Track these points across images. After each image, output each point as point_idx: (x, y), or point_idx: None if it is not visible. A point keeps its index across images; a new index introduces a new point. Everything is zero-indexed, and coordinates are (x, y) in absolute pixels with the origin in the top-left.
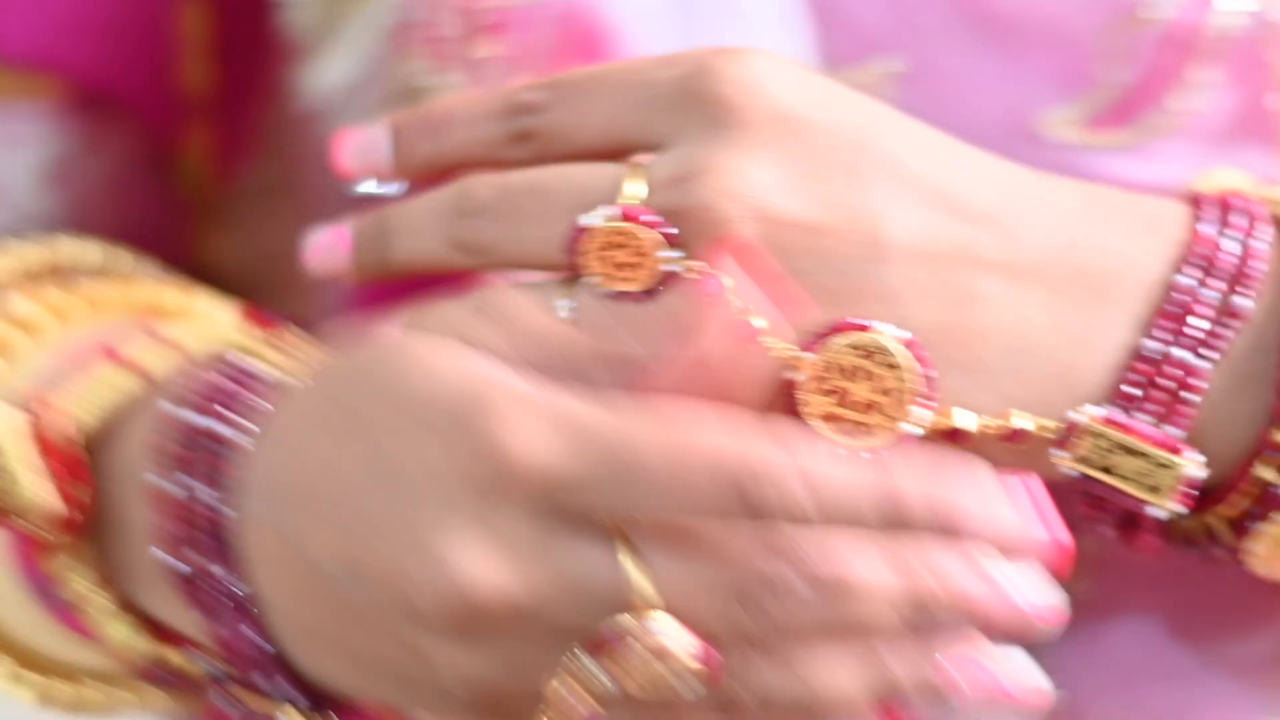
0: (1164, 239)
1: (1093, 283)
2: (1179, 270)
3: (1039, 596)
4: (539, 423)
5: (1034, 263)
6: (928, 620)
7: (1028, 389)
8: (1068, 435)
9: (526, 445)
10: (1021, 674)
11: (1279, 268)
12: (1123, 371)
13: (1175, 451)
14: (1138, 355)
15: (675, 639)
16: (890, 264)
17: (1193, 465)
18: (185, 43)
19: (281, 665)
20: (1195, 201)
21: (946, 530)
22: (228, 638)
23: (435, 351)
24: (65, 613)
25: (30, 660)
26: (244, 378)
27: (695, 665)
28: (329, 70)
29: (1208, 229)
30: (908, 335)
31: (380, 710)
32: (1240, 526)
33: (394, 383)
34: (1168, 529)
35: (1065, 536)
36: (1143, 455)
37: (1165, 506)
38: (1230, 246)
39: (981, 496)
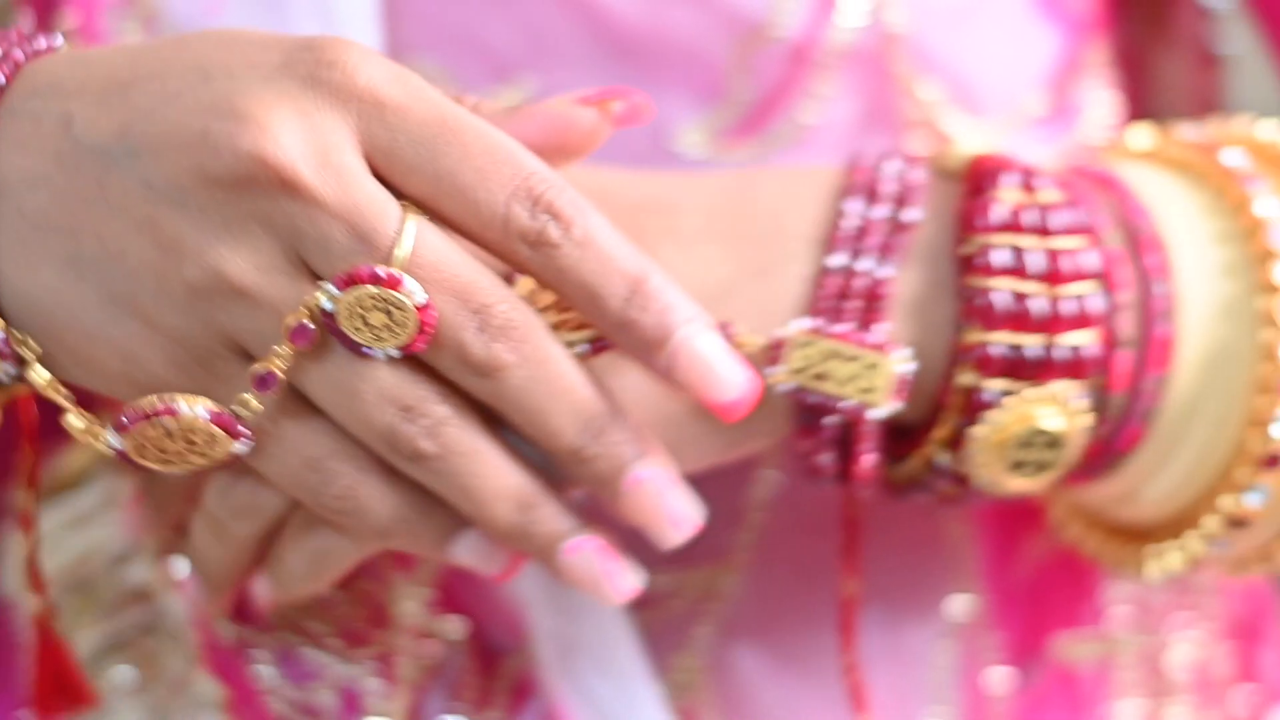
0: (823, 181)
1: (763, 225)
2: (843, 199)
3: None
4: (388, 67)
5: (698, 227)
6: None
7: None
8: (777, 350)
9: (371, 70)
10: (684, 505)
11: (939, 194)
12: (815, 289)
13: (883, 350)
14: (824, 273)
15: (413, 296)
16: None
17: (901, 361)
18: None
19: None
20: (851, 159)
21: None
22: None
23: None
24: None
25: None
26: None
27: (417, 318)
28: None
29: (866, 164)
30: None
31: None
32: (957, 445)
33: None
34: (892, 480)
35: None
36: (853, 359)
37: (882, 405)
38: (889, 173)
39: None
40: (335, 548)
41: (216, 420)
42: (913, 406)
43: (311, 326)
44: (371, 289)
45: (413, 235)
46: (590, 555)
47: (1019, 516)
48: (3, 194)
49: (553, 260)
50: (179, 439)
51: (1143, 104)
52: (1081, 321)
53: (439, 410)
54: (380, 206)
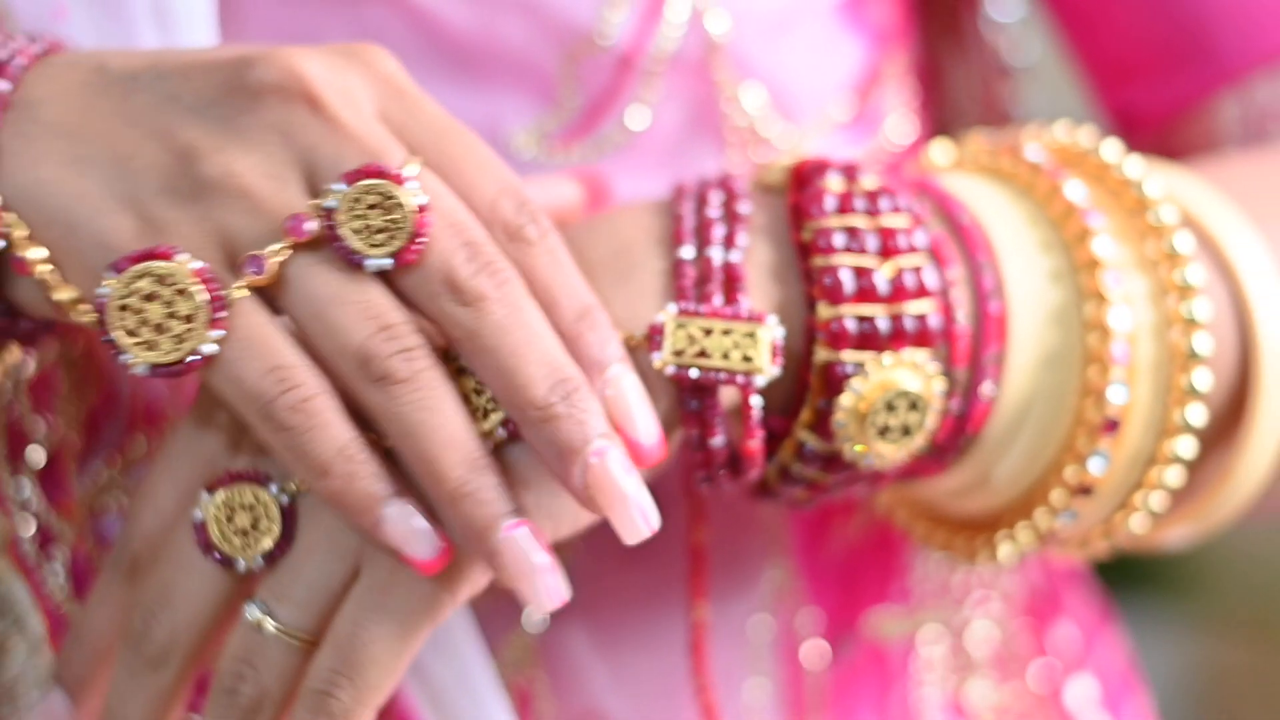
0: (652, 203)
1: (611, 246)
2: (677, 207)
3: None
4: (407, 75)
5: None
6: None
7: None
8: (653, 335)
9: (395, 66)
10: (644, 494)
11: (768, 201)
12: (675, 279)
13: (757, 319)
14: (679, 263)
15: (414, 198)
16: None
17: (773, 326)
18: None
19: None
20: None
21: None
22: None
23: None
24: None
25: None
26: None
27: (414, 220)
28: None
29: (689, 185)
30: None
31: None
32: (822, 426)
33: None
34: (767, 483)
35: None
36: (728, 332)
37: (766, 371)
38: (713, 183)
39: None
40: None
41: (201, 276)
42: (773, 396)
43: (310, 223)
44: (377, 181)
45: (417, 171)
46: (530, 541)
47: None
48: (21, 107)
49: (525, 255)
50: (160, 301)
51: (939, 113)
52: (921, 293)
53: (415, 339)
54: (391, 144)
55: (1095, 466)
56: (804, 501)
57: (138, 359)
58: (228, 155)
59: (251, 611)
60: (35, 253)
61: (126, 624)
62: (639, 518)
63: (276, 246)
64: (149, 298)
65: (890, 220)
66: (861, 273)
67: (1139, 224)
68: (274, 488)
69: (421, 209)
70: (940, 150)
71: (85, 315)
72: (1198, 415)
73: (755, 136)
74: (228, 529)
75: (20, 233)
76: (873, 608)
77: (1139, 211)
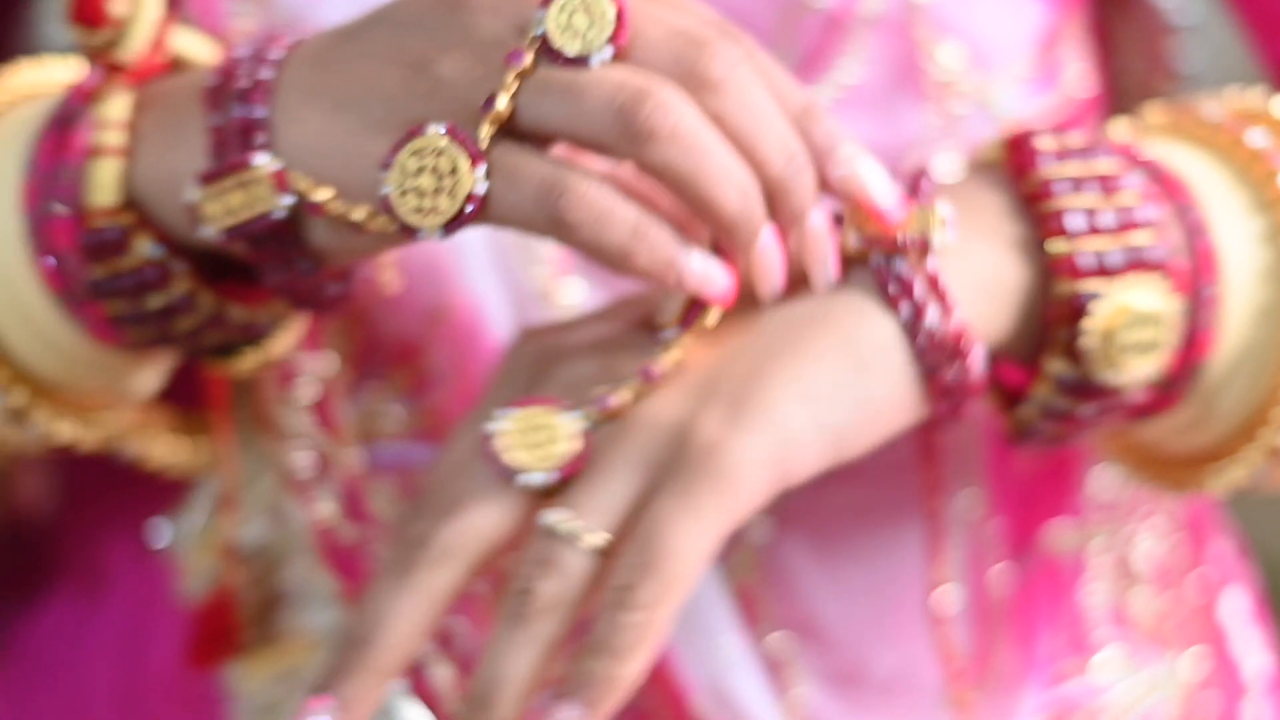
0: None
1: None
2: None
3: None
4: None
5: None
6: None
7: None
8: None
9: None
10: (888, 190)
11: (988, 172)
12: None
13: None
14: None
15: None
16: None
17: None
18: None
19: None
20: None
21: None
22: (236, 162)
23: None
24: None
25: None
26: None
27: (614, 8)
28: None
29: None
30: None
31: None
32: (1073, 354)
33: None
34: (1017, 420)
35: None
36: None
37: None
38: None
39: None
40: None
41: (451, 134)
42: (1018, 342)
43: (526, 53)
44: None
45: None
46: (823, 228)
47: None
48: (283, 89)
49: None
50: (427, 171)
51: (1110, 73)
52: (1144, 226)
53: (666, 90)
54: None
55: None
56: (1059, 439)
57: (429, 226)
58: (454, 47)
59: (551, 517)
60: (323, 193)
61: (407, 533)
62: (883, 200)
63: (506, 80)
64: (418, 172)
65: (1104, 166)
66: (1088, 211)
67: None
68: (572, 414)
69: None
70: (1123, 123)
71: (379, 221)
72: None
73: (951, 90)
74: (523, 445)
75: (305, 184)
76: (1049, 522)
77: None
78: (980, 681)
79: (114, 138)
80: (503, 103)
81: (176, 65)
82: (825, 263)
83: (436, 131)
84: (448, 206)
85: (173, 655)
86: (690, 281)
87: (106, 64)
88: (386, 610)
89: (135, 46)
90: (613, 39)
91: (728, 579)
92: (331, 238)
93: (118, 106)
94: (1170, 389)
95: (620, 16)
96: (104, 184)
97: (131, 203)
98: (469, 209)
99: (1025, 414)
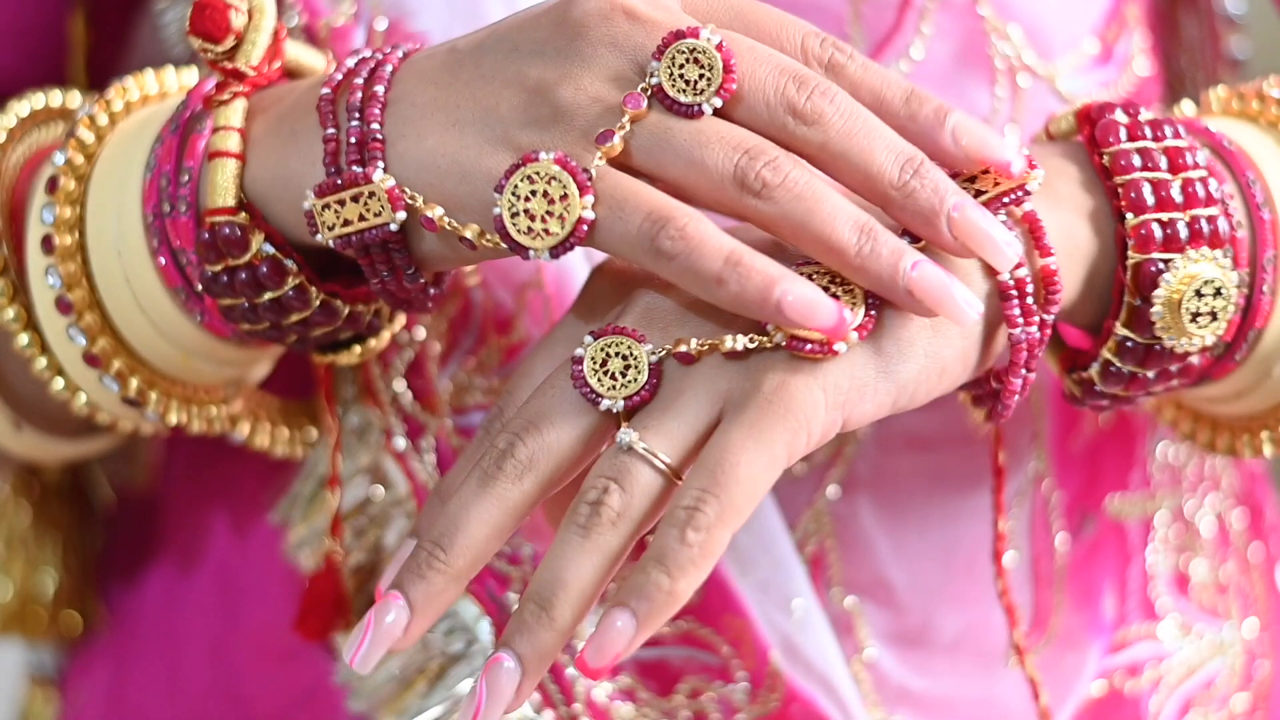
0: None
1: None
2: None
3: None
4: None
5: None
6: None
7: None
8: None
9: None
10: (1000, 230)
11: (1062, 145)
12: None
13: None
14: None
15: (710, 40)
16: None
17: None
18: (73, 47)
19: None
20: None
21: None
22: (353, 176)
23: None
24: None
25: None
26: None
27: (720, 57)
28: None
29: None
30: None
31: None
32: (1141, 320)
33: None
34: (1090, 382)
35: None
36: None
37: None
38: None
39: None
40: None
41: (562, 164)
42: (1089, 303)
43: (641, 99)
44: (680, 42)
45: (711, 29)
46: (936, 270)
47: None
48: (396, 103)
49: (843, 77)
50: (539, 196)
51: (1171, 58)
52: (1209, 201)
53: (776, 150)
54: (689, 18)
55: None
56: (1117, 401)
57: (540, 247)
58: (573, 78)
59: (625, 436)
60: (436, 210)
61: (487, 446)
62: (1006, 247)
63: (621, 121)
64: (529, 196)
65: (1173, 142)
66: (1158, 185)
67: None
68: (650, 346)
69: (720, 46)
70: (1188, 106)
71: (489, 241)
72: None
73: (1017, 68)
74: (600, 371)
75: (419, 199)
76: (1113, 493)
77: None
78: (1043, 642)
79: (232, 142)
80: (616, 140)
81: (289, 73)
82: (996, 243)
83: (548, 157)
84: (558, 230)
85: (266, 613)
86: (789, 312)
87: (225, 72)
88: (465, 517)
89: (254, 56)
90: (721, 88)
91: (801, 541)
92: (439, 250)
93: (235, 113)
94: (1227, 355)
95: (728, 66)
96: (222, 186)
97: (246, 204)
98: (577, 232)
99: (1087, 376)
